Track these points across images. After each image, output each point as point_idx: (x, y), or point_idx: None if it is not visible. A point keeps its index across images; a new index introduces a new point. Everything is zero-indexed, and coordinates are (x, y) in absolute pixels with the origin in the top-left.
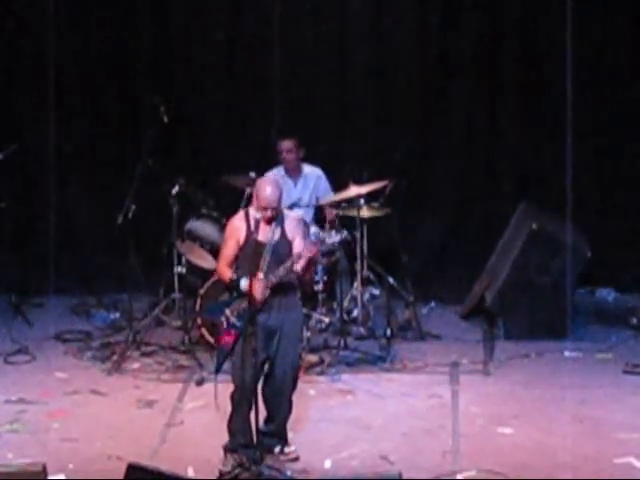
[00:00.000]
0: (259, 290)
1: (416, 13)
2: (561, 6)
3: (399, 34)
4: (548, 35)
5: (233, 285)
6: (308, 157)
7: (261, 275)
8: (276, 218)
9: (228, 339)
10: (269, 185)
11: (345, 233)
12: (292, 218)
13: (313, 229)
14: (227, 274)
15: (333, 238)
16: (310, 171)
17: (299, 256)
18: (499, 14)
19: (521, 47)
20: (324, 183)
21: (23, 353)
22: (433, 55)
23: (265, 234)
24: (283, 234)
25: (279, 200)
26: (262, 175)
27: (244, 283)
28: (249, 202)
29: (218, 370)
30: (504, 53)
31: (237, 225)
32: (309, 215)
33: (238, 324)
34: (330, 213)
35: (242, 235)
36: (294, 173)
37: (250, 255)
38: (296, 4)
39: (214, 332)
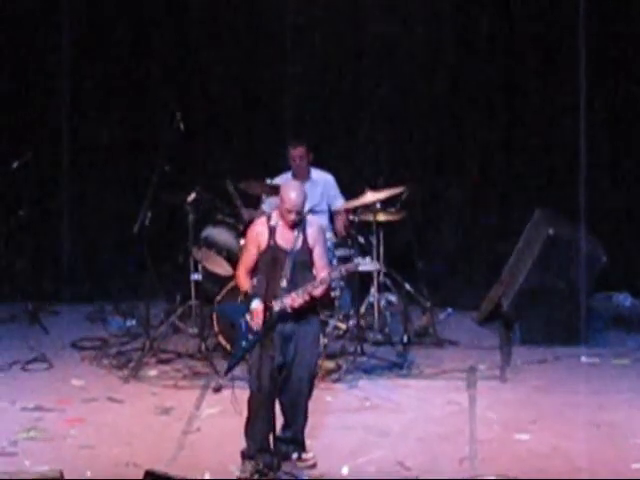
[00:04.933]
0: (260, 318)
1: (429, 22)
2: (575, 20)
3: (413, 39)
4: (561, 47)
5: (247, 298)
6: (323, 162)
7: (284, 283)
8: (300, 223)
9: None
10: (294, 189)
11: (378, 265)
12: (314, 225)
13: (328, 235)
14: (245, 284)
15: (367, 266)
16: (318, 176)
17: (321, 282)
18: (513, 32)
19: (535, 49)
20: (334, 189)
21: (40, 361)
22: (450, 66)
23: (286, 240)
24: (305, 241)
25: (303, 203)
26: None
27: (255, 304)
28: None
29: (228, 372)
30: (519, 59)
31: (259, 230)
32: (324, 220)
33: (255, 330)
34: (340, 220)
35: (264, 240)
36: (302, 178)
37: (271, 261)
38: (310, 10)
39: (231, 339)
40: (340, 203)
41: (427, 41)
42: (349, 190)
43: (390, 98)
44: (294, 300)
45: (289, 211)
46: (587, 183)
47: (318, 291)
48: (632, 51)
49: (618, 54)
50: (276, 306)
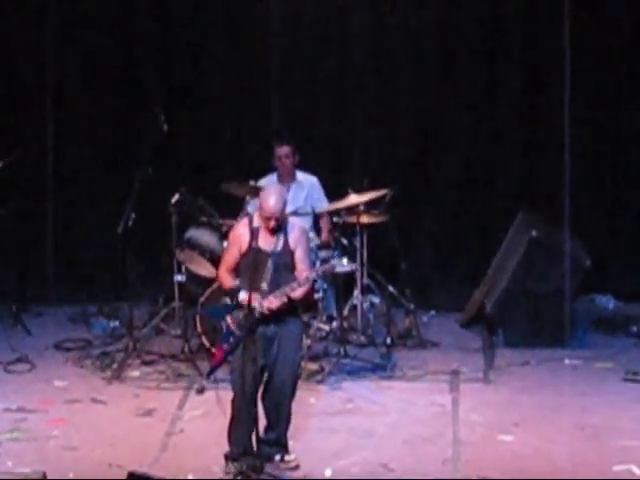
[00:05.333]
0: (256, 303)
1: (414, 25)
2: (559, 15)
3: (399, 41)
4: (546, 46)
5: (232, 293)
6: (308, 164)
7: (265, 286)
8: (280, 228)
9: (219, 353)
10: (273, 195)
11: (355, 265)
12: (296, 228)
13: (311, 234)
14: (228, 282)
15: (344, 267)
16: (304, 178)
17: (299, 284)
18: (499, 31)
19: (521, 57)
20: (318, 191)
21: (23, 362)
22: (434, 64)
23: (268, 243)
24: (286, 243)
25: (282, 210)
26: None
27: (242, 295)
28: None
29: (210, 374)
30: (504, 64)
31: (240, 232)
32: (307, 223)
33: (237, 332)
34: (325, 224)
35: (245, 242)
36: (287, 179)
37: (252, 263)
38: (297, 12)
39: (214, 340)
40: (324, 206)
41: (413, 43)
42: (332, 192)
43: (374, 101)
44: (271, 302)
45: (267, 218)
46: (571, 186)
47: (297, 293)
48: (618, 48)
49: (603, 52)
50: (257, 308)
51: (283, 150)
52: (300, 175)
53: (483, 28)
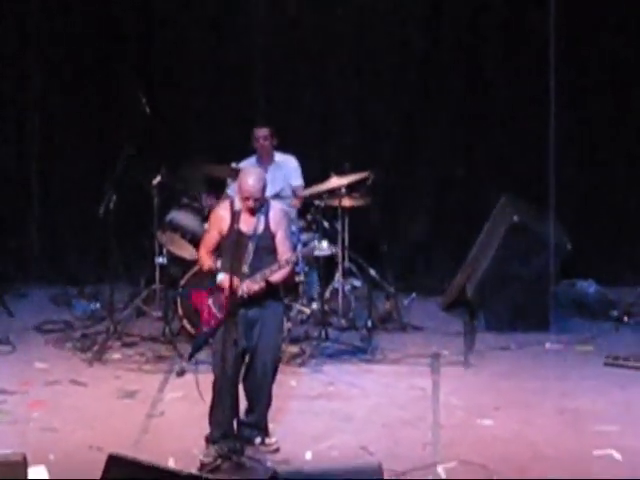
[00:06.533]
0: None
1: (399, 9)
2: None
3: (382, 32)
4: (530, 29)
5: (211, 275)
6: (292, 147)
7: (245, 269)
8: (259, 209)
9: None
10: (251, 176)
11: (335, 249)
12: (277, 210)
13: (292, 216)
14: (207, 262)
15: (324, 251)
16: (282, 159)
17: (279, 267)
18: (482, 22)
19: (504, 43)
20: (295, 170)
21: (3, 343)
22: (417, 50)
23: (248, 225)
24: (267, 226)
25: (262, 191)
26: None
27: (220, 277)
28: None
29: (191, 357)
30: (487, 51)
31: (221, 215)
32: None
33: (218, 315)
34: (296, 202)
35: (225, 225)
36: (266, 161)
37: (233, 246)
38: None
39: (195, 323)
40: (297, 183)
41: (396, 25)
42: (314, 175)
43: (357, 83)
44: (249, 286)
45: (246, 198)
46: (553, 169)
47: (277, 276)
48: (601, 35)
49: (586, 39)
50: (238, 291)
51: (262, 132)
52: (278, 156)
53: (464, 15)
